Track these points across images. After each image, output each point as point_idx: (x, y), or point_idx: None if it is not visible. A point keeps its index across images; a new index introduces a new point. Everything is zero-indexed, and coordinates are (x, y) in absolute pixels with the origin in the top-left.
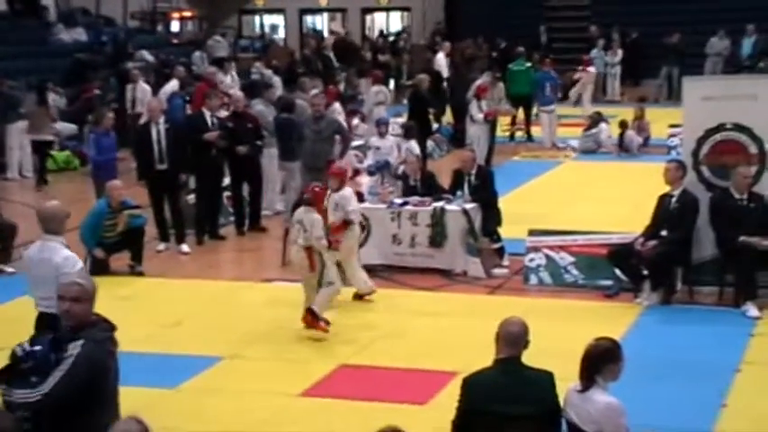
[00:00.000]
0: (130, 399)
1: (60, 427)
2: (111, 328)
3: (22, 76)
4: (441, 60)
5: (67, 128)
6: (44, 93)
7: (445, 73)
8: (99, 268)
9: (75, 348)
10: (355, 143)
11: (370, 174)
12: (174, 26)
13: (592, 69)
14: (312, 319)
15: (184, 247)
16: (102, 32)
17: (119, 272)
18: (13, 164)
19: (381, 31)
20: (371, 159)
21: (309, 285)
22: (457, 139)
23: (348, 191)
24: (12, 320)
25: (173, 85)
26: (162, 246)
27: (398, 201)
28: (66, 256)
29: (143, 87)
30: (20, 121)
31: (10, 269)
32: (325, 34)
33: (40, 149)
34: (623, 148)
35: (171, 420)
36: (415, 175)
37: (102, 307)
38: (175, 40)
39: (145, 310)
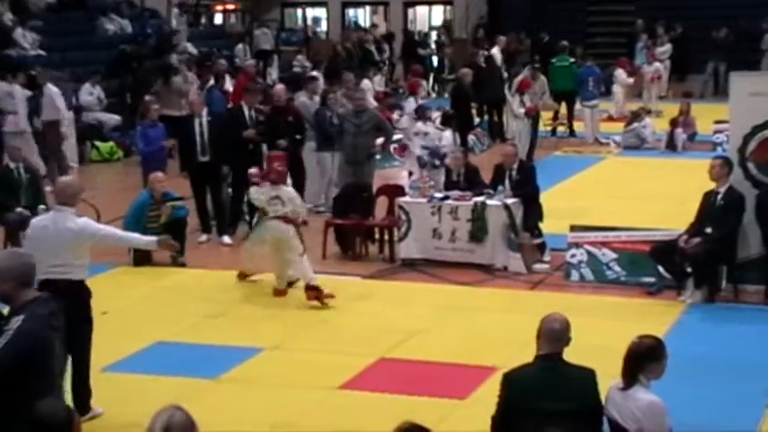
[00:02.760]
0: (172, 388)
1: None
2: (56, 305)
3: (68, 68)
4: (496, 55)
5: (112, 118)
6: (169, 74)
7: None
8: (142, 259)
9: (16, 322)
10: (396, 137)
11: (422, 165)
12: (218, 18)
13: (658, 65)
14: (316, 292)
15: (226, 239)
16: (146, 24)
17: (161, 263)
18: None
19: (419, 32)
20: (418, 146)
21: (282, 259)
22: (494, 133)
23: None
24: None
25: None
26: (204, 237)
27: (439, 195)
28: (82, 223)
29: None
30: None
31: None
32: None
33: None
34: (670, 146)
35: (211, 411)
36: (459, 168)
37: (144, 297)
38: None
39: (187, 300)
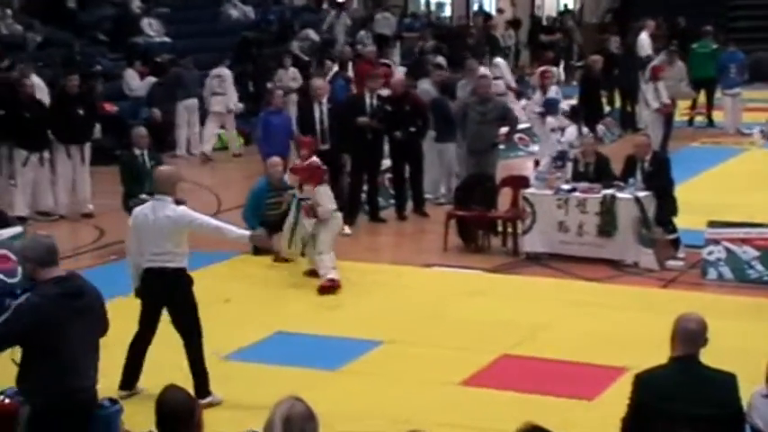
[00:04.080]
0: (292, 379)
1: None
2: (79, 286)
3: (191, 55)
4: (644, 41)
5: (236, 106)
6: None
7: (648, 52)
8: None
9: (19, 300)
10: (521, 126)
11: (557, 167)
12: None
13: None
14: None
15: (346, 229)
16: (269, 10)
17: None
18: (181, 142)
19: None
20: (549, 144)
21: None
22: (626, 122)
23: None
24: None
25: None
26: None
27: (566, 187)
28: (180, 211)
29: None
30: (188, 99)
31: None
32: (493, 13)
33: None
34: None
35: (330, 403)
36: (589, 157)
37: (264, 286)
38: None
39: (305, 291)
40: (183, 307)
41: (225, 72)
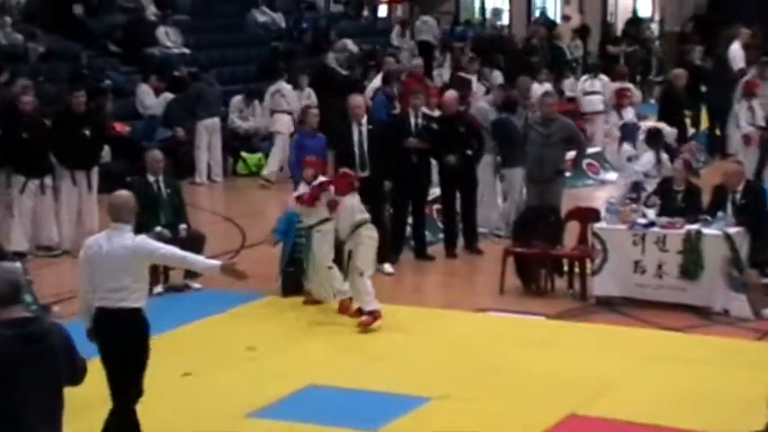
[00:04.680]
0: None
1: None
2: (39, 329)
3: (213, 68)
4: (736, 52)
5: (264, 126)
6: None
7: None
8: (291, 287)
9: None
10: (590, 150)
11: (632, 199)
12: (382, 11)
13: None
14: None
15: (387, 267)
16: (302, 17)
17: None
18: (201, 167)
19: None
20: (625, 173)
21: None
22: (715, 147)
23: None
24: (197, 343)
25: (377, 79)
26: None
27: (642, 221)
28: (139, 241)
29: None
30: (209, 118)
31: (197, 285)
32: (558, 20)
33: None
34: None
35: None
36: (678, 186)
37: (293, 332)
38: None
39: (342, 338)
40: (129, 357)
41: (286, 87)
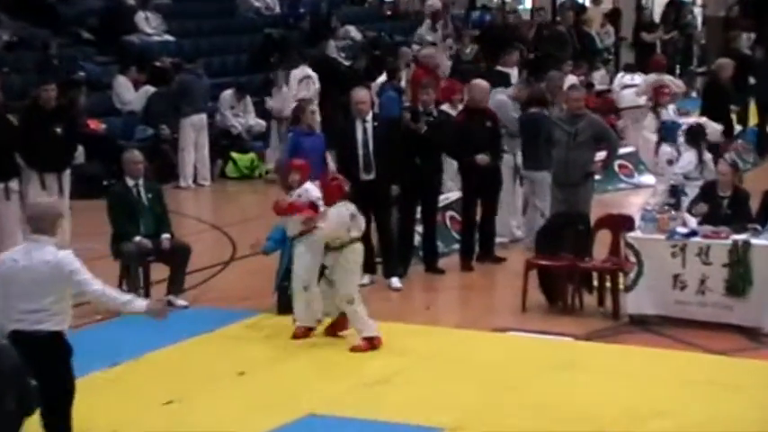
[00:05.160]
0: None
1: None
2: None
3: (202, 58)
4: None
5: (257, 123)
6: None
7: None
8: (288, 302)
9: None
10: (623, 151)
11: (671, 204)
12: None
13: None
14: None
15: (395, 282)
16: (300, 2)
17: None
18: (186, 169)
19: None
20: (665, 177)
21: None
22: (764, 147)
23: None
24: (181, 366)
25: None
26: (366, 279)
27: (682, 229)
28: (62, 256)
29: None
30: (195, 114)
31: (182, 302)
32: (587, 3)
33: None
34: None
35: None
36: (725, 188)
37: (291, 354)
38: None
39: (344, 361)
40: (49, 388)
41: (312, 73)
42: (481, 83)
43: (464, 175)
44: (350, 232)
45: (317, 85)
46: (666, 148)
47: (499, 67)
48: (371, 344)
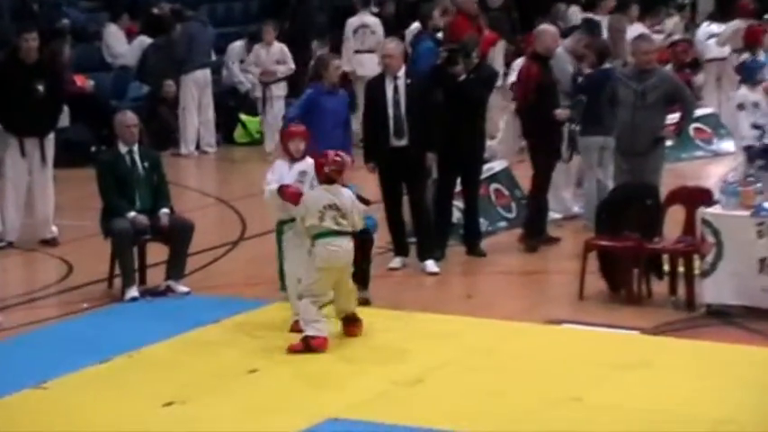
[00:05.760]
0: None
1: None
2: None
3: (205, 4)
4: None
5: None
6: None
7: None
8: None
9: None
10: (700, 112)
11: (751, 158)
12: None
13: None
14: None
15: (430, 265)
16: None
17: None
18: (188, 133)
19: None
20: (746, 126)
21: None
22: None
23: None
24: (182, 363)
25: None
26: (397, 261)
27: None
28: None
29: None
30: (199, 69)
31: (183, 288)
32: None
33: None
34: None
35: None
36: None
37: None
38: None
39: (370, 358)
40: None
41: (372, 21)
42: (551, 28)
43: (534, 136)
44: (323, 222)
45: (380, 33)
46: (743, 90)
47: (589, 15)
48: (307, 343)
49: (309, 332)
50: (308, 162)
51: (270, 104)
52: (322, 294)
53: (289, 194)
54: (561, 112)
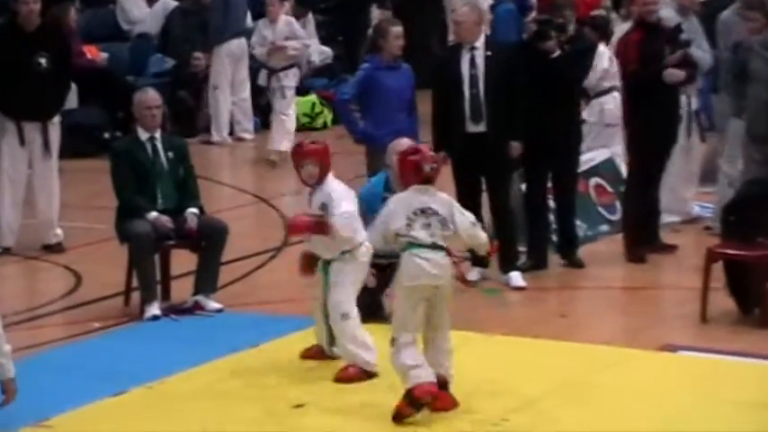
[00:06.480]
0: None
1: None
2: None
3: None
4: None
5: (321, 53)
6: None
7: None
8: (369, 308)
9: None
10: None
11: None
12: None
13: None
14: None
15: (516, 278)
16: None
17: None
18: (220, 116)
19: None
20: None
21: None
22: None
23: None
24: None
25: None
26: (475, 273)
27: None
28: None
29: None
30: (234, 38)
31: (214, 304)
32: None
33: None
34: None
35: None
36: None
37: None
38: None
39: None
40: None
41: None
42: None
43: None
44: (411, 230)
45: None
46: None
47: None
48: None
49: (408, 383)
50: (326, 191)
51: (280, 95)
52: (411, 323)
53: (299, 227)
54: (672, 73)
